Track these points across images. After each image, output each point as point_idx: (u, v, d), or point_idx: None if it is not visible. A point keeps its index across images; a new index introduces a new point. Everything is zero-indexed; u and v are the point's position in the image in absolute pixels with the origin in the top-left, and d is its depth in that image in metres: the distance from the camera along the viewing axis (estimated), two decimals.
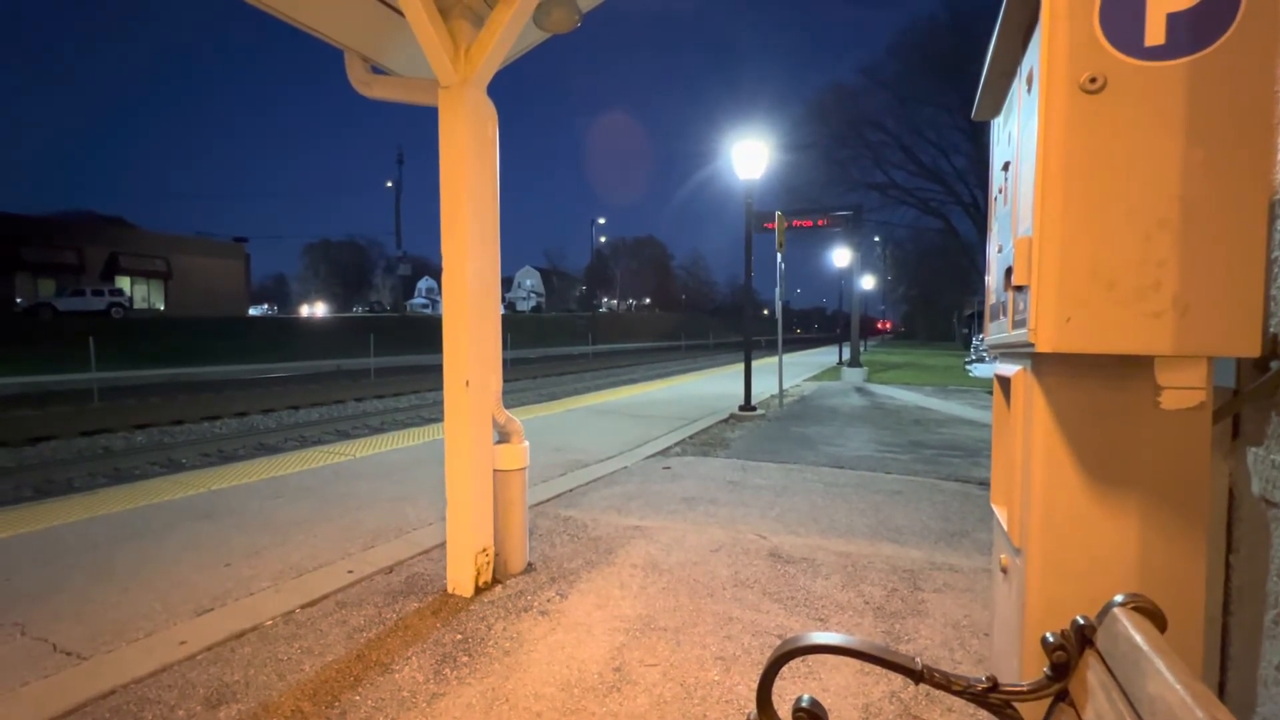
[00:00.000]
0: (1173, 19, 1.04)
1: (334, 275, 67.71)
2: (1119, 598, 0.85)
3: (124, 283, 32.69)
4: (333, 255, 68.85)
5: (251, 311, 47.54)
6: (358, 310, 60.47)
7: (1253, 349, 1.08)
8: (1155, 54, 1.05)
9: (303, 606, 2.78)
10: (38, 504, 4.41)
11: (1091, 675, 0.83)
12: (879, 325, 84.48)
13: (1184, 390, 1.13)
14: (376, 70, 3.37)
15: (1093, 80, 1.08)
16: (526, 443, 3.18)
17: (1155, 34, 1.05)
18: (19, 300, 28.98)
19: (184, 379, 18.48)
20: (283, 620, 2.65)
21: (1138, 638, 0.75)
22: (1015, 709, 0.92)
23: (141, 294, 34.10)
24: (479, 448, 2.95)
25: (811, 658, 2.28)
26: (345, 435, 10.26)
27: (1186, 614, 1.15)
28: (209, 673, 2.25)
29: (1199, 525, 1.18)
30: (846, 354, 20.16)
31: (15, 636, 2.49)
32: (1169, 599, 0.92)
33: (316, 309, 58.86)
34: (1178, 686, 0.64)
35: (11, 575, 3.09)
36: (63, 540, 3.60)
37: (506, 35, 2.82)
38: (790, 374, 15.99)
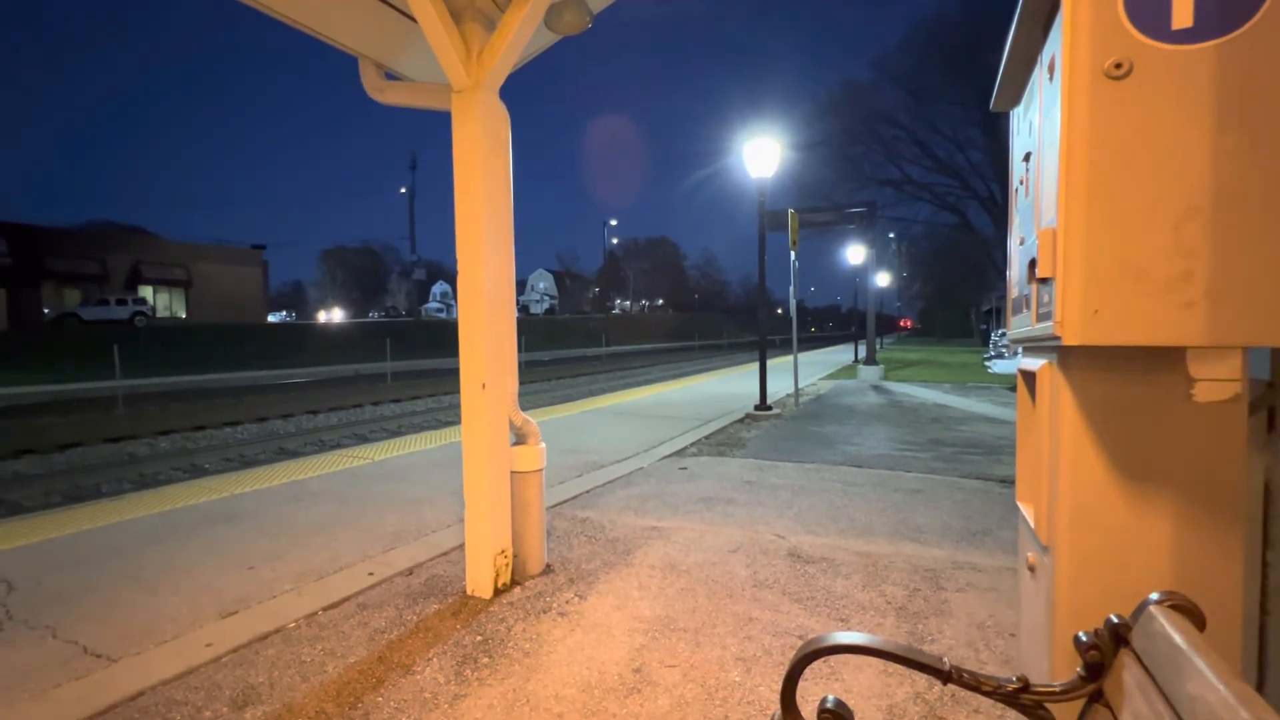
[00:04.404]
0: (1200, 1, 1.01)
1: (350, 281, 68.42)
2: (1155, 595, 0.83)
3: (146, 292, 33.31)
4: (349, 261, 69.59)
5: (270, 318, 48.23)
6: (374, 315, 61.11)
7: None
8: (1183, 37, 1.02)
9: (325, 609, 2.80)
10: (67, 509, 4.51)
11: (1128, 675, 0.80)
12: (902, 324, 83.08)
13: (1218, 382, 1.10)
14: (390, 76, 3.40)
15: (1118, 66, 1.05)
16: (543, 444, 3.18)
17: (1183, 16, 1.02)
18: (46, 310, 29.66)
19: (205, 385, 18.78)
20: (305, 622, 2.68)
21: (1176, 637, 0.73)
22: (1048, 710, 0.89)
23: (163, 302, 34.73)
24: (496, 450, 2.96)
25: (834, 658, 2.26)
26: (363, 439, 10.36)
27: (1224, 612, 1.12)
28: (234, 674, 2.28)
29: (1235, 521, 1.15)
30: (862, 352, 19.99)
31: (47, 639, 2.55)
32: (1205, 597, 0.89)
33: (333, 314, 59.58)
34: (1220, 686, 0.62)
35: (42, 579, 3.16)
36: (91, 545, 3.67)
37: (518, 38, 2.83)
38: (806, 373, 15.88)
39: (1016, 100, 1.69)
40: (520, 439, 3.14)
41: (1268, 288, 1.02)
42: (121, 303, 29.42)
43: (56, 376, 18.08)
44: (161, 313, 33.85)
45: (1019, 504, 1.66)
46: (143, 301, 30.80)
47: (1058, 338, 1.14)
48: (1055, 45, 1.18)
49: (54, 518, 4.25)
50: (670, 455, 6.18)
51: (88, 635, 2.57)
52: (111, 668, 2.32)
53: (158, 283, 34.34)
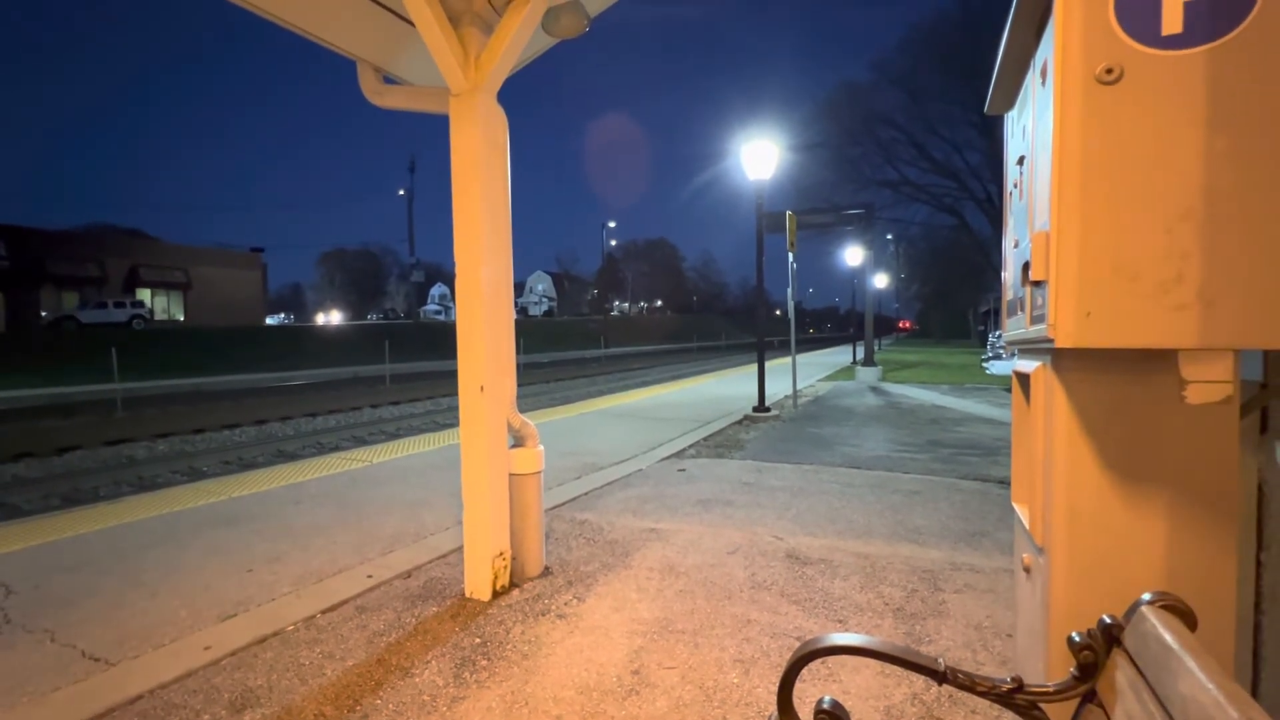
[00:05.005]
0: (1190, 7, 1.02)
1: (349, 283, 68.32)
2: (1147, 596, 0.84)
3: (144, 294, 33.27)
4: (347, 263, 69.48)
5: (269, 321, 48.18)
6: (372, 317, 61.06)
7: None
8: (1173, 43, 1.03)
9: (323, 611, 2.81)
10: (66, 512, 4.50)
11: (1120, 675, 0.81)
12: (901, 325, 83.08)
13: (1210, 384, 1.10)
14: (389, 80, 3.41)
15: (1109, 71, 1.06)
16: (541, 446, 3.19)
17: (1172, 22, 1.03)
18: (44, 313, 29.62)
19: (204, 388, 18.76)
20: (304, 625, 2.68)
21: (1168, 637, 0.74)
22: (1041, 710, 0.90)
23: (161, 305, 34.68)
24: (494, 452, 2.96)
25: (832, 659, 2.26)
26: (362, 441, 10.35)
27: (1217, 612, 1.13)
28: (233, 677, 2.28)
29: (1228, 522, 1.16)
30: (860, 353, 20.01)
31: (45, 643, 2.54)
32: (1198, 597, 0.90)
33: (332, 317, 59.52)
34: (1211, 686, 0.63)
35: (41, 583, 3.16)
36: (90, 548, 3.66)
37: (516, 42, 2.84)
38: (804, 374, 15.90)
39: (1010, 104, 1.70)
40: (518, 441, 3.15)
41: (1260, 290, 1.02)
42: (120, 305, 29.40)
43: (55, 379, 18.05)
44: (160, 315, 33.81)
45: (1014, 505, 1.67)
46: (141, 304, 30.79)
47: (1051, 340, 1.15)
48: (1047, 50, 1.19)
49: (53, 521, 4.25)
50: (669, 457, 6.18)
51: (86, 638, 2.57)
52: (110, 671, 2.32)
53: (156, 285, 34.29)
